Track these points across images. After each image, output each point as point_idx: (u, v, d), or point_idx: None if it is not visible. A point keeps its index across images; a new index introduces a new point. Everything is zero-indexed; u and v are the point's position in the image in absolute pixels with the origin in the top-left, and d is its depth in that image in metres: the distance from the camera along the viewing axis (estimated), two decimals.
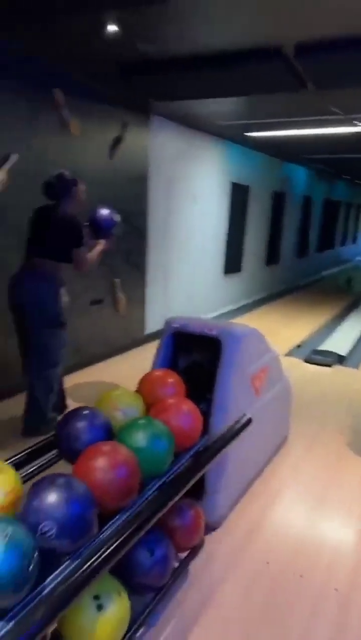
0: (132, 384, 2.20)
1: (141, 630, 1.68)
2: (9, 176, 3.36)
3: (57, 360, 3.10)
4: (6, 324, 3.14)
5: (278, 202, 8.85)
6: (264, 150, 7.54)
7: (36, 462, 1.86)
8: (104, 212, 3.08)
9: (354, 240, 16.60)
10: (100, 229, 3.07)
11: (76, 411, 1.89)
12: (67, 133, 3.85)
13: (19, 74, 3.33)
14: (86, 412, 1.89)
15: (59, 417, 3.21)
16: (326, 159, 8.49)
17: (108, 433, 1.84)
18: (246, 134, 6.03)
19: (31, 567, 1.20)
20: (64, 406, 3.35)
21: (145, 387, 2.18)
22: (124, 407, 2.00)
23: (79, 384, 3.97)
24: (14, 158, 3.39)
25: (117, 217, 3.12)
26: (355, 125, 5.16)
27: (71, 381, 3.63)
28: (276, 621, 1.81)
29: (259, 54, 3.20)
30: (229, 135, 6.31)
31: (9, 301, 3.01)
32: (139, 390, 2.16)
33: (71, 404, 3.36)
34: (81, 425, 1.82)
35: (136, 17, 2.81)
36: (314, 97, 3.91)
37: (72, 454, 1.76)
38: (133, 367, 4.28)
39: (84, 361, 4.39)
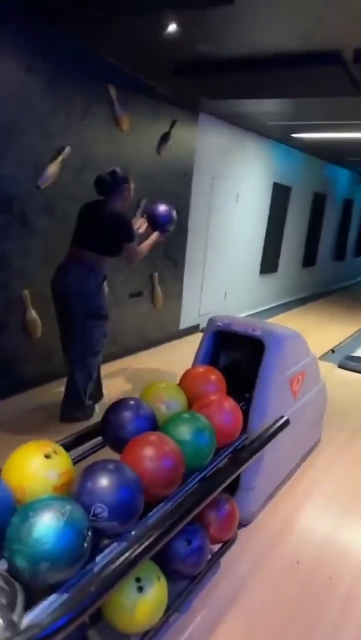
0: (167, 377, 2.26)
1: (173, 616, 1.76)
2: (61, 168, 3.48)
3: (98, 350, 3.20)
4: (49, 312, 3.26)
5: (318, 203, 8.74)
6: (307, 151, 7.46)
7: (81, 447, 1.95)
8: (163, 208, 3.15)
9: None
10: (157, 223, 3.15)
11: (123, 401, 1.97)
12: (117, 128, 3.93)
13: (75, 67, 3.41)
14: (132, 402, 1.96)
15: (96, 406, 3.34)
16: None
17: (152, 424, 1.91)
18: (292, 134, 5.99)
19: (85, 544, 1.28)
20: (101, 395, 3.45)
21: (187, 382, 2.24)
22: (168, 400, 2.07)
23: (114, 374, 4.08)
24: (66, 151, 3.51)
25: (174, 214, 3.18)
26: None
27: (105, 370, 3.73)
28: (303, 620, 1.84)
29: (317, 57, 3.19)
30: (275, 135, 6.28)
31: (53, 291, 3.11)
32: (181, 385, 2.22)
33: (106, 394, 3.46)
34: (128, 414, 1.90)
35: (197, 17, 2.85)
36: None
37: (117, 441, 1.85)
38: (168, 360, 4.37)
39: (119, 352, 4.49)
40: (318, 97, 3.87)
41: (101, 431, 1.97)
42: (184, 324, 5.51)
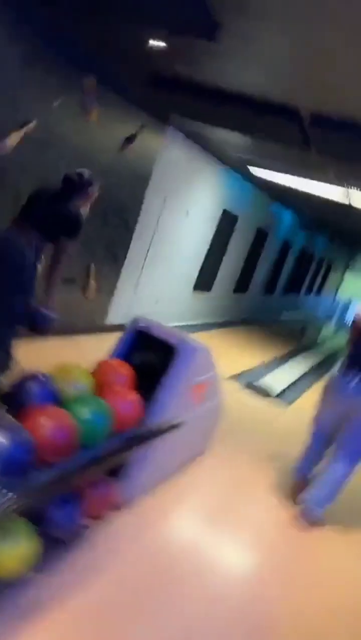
0: (82, 365, 2.41)
1: (38, 574, 1.90)
2: (22, 139, 3.52)
3: (19, 324, 3.23)
4: None
5: (259, 238, 9.32)
6: (260, 186, 7.96)
7: None
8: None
9: (318, 292, 17.45)
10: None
11: (33, 375, 2.09)
12: (86, 117, 4.05)
13: (57, 49, 3.49)
14: (41, 377, 2.10)
15: (3, 378, 3.36)
16: (313, 212, 9.07)
17: (57, 401, 2.05)
18: (248, 167, 6.40)
19: None
20: (9, 368, 3.47)
21: (99, 371, 2.41)
22: (76, 383, 2.22)
23: (29, 352, 4.10)
24: (31, 125, 3.55)
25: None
26: (346, 186, 5.61)
27: (23, 347, 3.76)
28: (148, 592, 2.09)
29: (279, 107, 3.54)
30: (233, 164, 6.67)
31: None
32: (93, 373, 2.39)
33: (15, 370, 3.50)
34: (34, 387, 2.03)
35: (182, 41, 3.08)
36: (315, 159, 4.31)
37: (20, 411, 1.96)
38: (88, 350, 4.46)
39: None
40: (273, 142, 4.25)
41: (6, 399, 2.07)
42: (111, 320, 5.64)
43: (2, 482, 1.55)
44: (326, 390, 3.13)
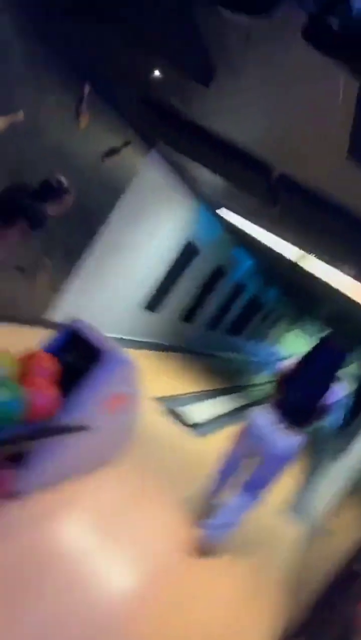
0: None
1: None
2: (4, 127, 3.58)
3: None
4: None
5: (216, 275, 9.68)
6: (226, 228, 8.34)
7: None
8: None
9: (260, 341, 18.08)
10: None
11: None
12: (75, 120, 4.18)
13: (59, 51, 3.63)
14: None
15: None
16: (271, 265, 9.56)
17: None
18: (219, 203, 6.68)
19: None
20: None
21: (24, 360, 2.46)
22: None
23: None
24: (20, 114, 3.64)
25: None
26: (303, 255, 6.04)
27: None
28: (23, 587, 2.11)
29: (254, 160, 3.82)
30: (206, 201, 6.98)
31: None
32: (20, 360, 2.43)
33: None
34: None
35: (180, 80, 3.31)
36: (278, 219, 4.65)
37: None
38: (21, 340, 4.44)
39: None
40: (241, 190, 4.54)
41: None
42: (54, 317, 5.63)
43: None
44: (245, 429, 3.30)
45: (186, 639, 2.45)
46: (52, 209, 3.05)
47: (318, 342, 3.34)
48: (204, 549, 3.07)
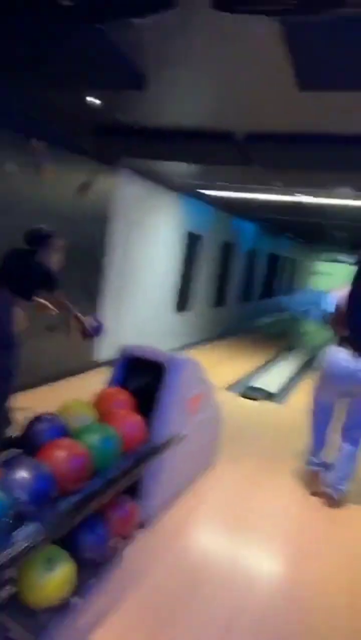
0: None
1: (78, 600, 2.04)
2: None
3: (9, 377, 3.36)
4: None
5: (226, 251, 9.69)
6: (216, 205, 8.37)
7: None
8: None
9: (291, 291, 17.90)
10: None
11: (40, 415, 2.29)
12: (39, 176, 4.34)
13: (3, 122, 3.82)
14: (48, 416, 2.29)
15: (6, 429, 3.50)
16: (271, 218, 9.52)
17: (65, 434, 2.24)
18: (201, 191, 6.79)
19: (8, 519, 1.58)
20: (9, 422, 3.59)
21: (99, 401, 2.60)
22: (80, 415, 2.41)
23: (33, 400, 4.26)
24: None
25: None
26: (294, 195, 6.04)
27: (21, 399, 3.93)
28: (184, 605, 2.21)
29: (216, 134, 3.89)
30: (186, 190, 7.05)
31: None
32: (95, 403, 2.58)
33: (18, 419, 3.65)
34: (43, 426, 2.22)
35: (115, 95, 3.40)
36: (259, 172, 4.67)
37: (34, 450, 2.14)
38: (82, 388, 4.66)
39: (35, 382, 4.69)
40: (216, 165, 4.60)
41: (20, 442, 2.25)
42: (100, 356, 5.83)
43: (30, 513, 1.73)
44: (324, 372, 3.28)
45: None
46: (46, 256, 3.20)
47: (356, 267, 3.29)
48: (338, 500, 3.15)
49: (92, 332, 3.47)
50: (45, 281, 3.21)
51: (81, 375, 5.41)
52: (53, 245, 3.28)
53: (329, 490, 3.19)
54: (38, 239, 3.24)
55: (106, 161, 5.24)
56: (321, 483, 3.27)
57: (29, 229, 3.29)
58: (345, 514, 3.13)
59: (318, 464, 3.40)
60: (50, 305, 3.46)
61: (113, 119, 3.92)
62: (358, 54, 2.13)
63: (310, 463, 3.45)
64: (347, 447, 3.22)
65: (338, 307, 3.26)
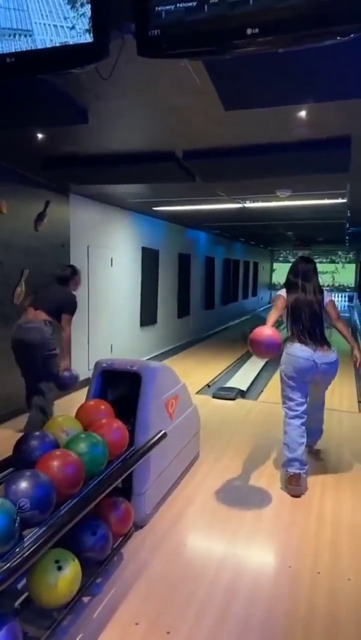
0: None
1: (87, 598, 2.20)
2: None
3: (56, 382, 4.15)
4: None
5: (184, 262, 10.01)
6: (169, 219, 8.70)
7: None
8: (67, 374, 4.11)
9: (254, 293, 18.46)
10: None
11: (29, 434, 2.44)
12: None
13: None
14: (37, 434, 2.45)
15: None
16: (221, 226, 9.94)
17: (56, 447, 2.40)
18: (153, 208, 7.09)
19: (16, 526, 1.74)
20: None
21: (82, 413, 2.78)
22: (67, 429, 2.58)
23: (19, 426, 4.35)
24: None
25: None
26: (238, 202, 6.42)
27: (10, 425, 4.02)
28: (185, 589, 2.37)
29: (157, 155, 4.17)
30: (139, 208, 7.34)
31: (17, 342, 3.98)
32: (77, 417, 2.75)
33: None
34: (35, 443, 2.37)
35: (61, 129, 3.64)
36: (203, 186, 4.99)
37: (29, 466, 2.29)
38: (65, 407, 4.80)
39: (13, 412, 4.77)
40: (162, 183, 4.89)
41: (13, 462, 2.39)
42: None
43: (35, 519, 1.89)
44: (288, 369, 3.37)
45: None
46: (72, 287, 4.26)
47: (292, 264, 3.64)
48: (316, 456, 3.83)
49: (68, 382, 4.15)
50: (74, 306, 4.13)
51: (61, 399, 5.49)
52: (79, 279, 4.33)
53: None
54: (70, 276, 4.24)
55: (59, 190, 5.45)
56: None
57: (59, 267, 4.40)
58: (328, 504, 3.27)
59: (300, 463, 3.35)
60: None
61: (60, 150, 4.15)
62: (270, 77, 2.45)
63: (290, 466, 3.35)
64: (315, 414, 3.71)
65: (280, 296, 3.52)
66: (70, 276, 4.24)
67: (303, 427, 3.41)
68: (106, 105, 3.13)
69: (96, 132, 3.67)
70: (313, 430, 3.76)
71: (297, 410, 3.40)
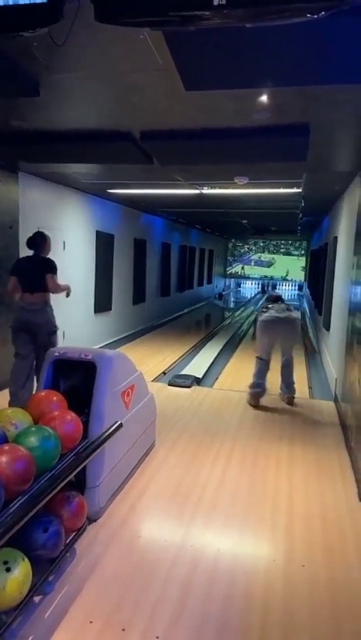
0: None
1: (39, 597, 2.10)
2: None
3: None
4: None
5: (140, 247, 9.83)
6: (125, 203, 8.47)
7: None
8: None
9: (209, 280, 18.55)
10: None
11: None
12: None
13: None
14: None
15: None
16: (178, 212, 9.82)
17: (4, 441, 2.26)
18: (108, 190, 6.86)
19: None
20: None
21: (33, 405, 2.64)
22: (16, 422, 2.43)
23: None
24: None
25: None
26: (196, 188, 6.33)
27: None
28: (140, 581, 2.33)
29: (113, 134, 3.99)
30: (93, 190, 7.07)
31: (22, 324, 4.34)
32: (28, 409, 2.61)
33: None
34: None
35: (11, 102, 3.38)
36: (160, 169, 4.85)
37: None
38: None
39: None
40: (117, 164, 4.70)
41: None
42: None
43: None
44: (263, 325, 5.01)
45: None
46: (43, 253, 4.53)
47: None
48: (292, 397, 5.14)
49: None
50: (54, 266, 4.41)
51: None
52: (48, 243, 4.55)
53: (285, 391, 5.16)
54: (40, 242, 4.46)
55: (6, 168, 5.13)
56: (281, 389, 5.23)
57: (31, 236, 4.51)
58: (283, 472, 3.44)
59: (261, 387, 5.00)
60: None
61: (10, 125, 3.88)
62: (232, 57, 2.37)
63: (254, 386, 5.00)
64: (286, 367, 5.15)
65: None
66: (40, 241, 4.46)
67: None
68: (59, 78, 2.92)
69: (48, 107, 3.44)
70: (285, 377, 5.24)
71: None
